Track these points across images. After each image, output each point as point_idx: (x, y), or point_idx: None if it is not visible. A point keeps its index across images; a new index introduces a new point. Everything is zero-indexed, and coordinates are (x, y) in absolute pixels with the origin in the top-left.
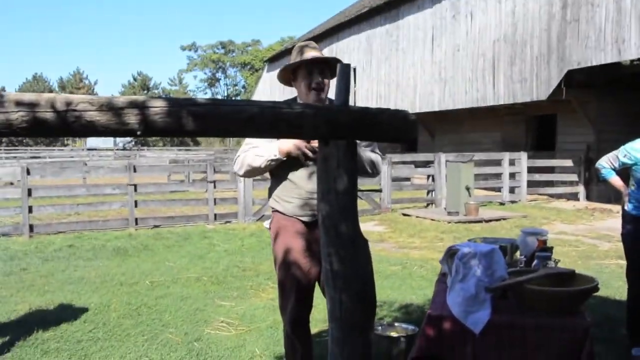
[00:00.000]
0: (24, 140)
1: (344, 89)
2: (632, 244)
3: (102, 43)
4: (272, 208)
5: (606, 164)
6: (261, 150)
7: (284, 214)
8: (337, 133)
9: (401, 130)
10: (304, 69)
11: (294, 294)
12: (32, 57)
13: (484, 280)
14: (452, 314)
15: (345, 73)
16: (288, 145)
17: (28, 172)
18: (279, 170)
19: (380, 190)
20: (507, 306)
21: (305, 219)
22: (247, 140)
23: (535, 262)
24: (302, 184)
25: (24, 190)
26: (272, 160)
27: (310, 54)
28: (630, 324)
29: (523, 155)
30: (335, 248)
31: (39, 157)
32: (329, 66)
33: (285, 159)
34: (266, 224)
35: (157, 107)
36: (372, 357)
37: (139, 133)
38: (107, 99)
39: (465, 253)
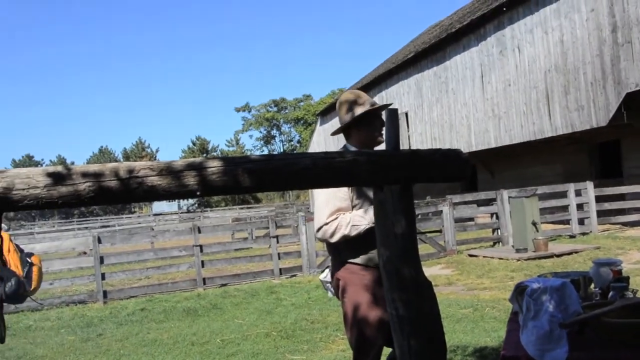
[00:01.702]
0: (94, 211)
1: (394, 133)
2: None
3: (160, 111)
4: (348, 261)
5: None
6: (357, 219)
7: (360, 264)
8: (391, 178)
9: (454, 169)
10: (378, 118)
11: (377, 346)
12: (98, 131)
13: (557, 316)
14: (527, 354)
15: (393, 118)
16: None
17: (99, 241)
18: None
19: (440, 231)
20: (585, 342)
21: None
22: (323, 202)
23: (611, 293)
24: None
25: (96, 259)
26: (369, 226)
27: (369, 103)
28: None
29: (589, 185)
30: (398, 293)
31: (108, 226)
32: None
33: None
34: (325, 277)
35: (214, 167)
36: None
37: (198, 193)
38: (166, 164)
39: (535, 289)
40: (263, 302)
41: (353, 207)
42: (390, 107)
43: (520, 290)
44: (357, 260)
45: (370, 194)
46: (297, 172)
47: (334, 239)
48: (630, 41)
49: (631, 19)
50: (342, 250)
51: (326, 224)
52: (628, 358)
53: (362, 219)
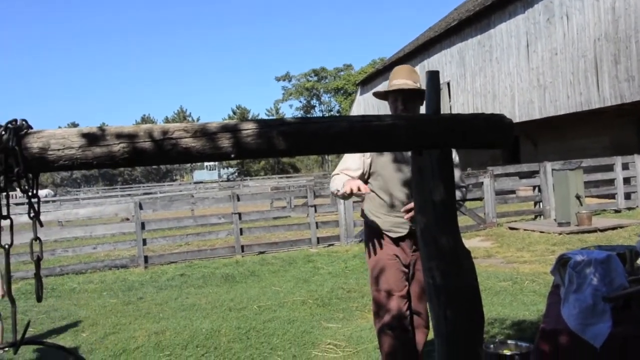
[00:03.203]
0: (137, 178)
1: (434, 97)
2: None
3: (202, 80)
4: (364, 220)
5: None
6: (337, 182)
7: (372, 227)
8: (430, 142)
9: (497, 135)
10: (392, 96)
11: (392, 300)
12: (141, 100)
13: (602, 290)
14: (568, 328)
15: (434, 81)
16: (347, 186)
17: (141, 207)
18: (372, 186)
19: (480, 200)
20: (631, 317)
21: (392, 234)
22: (342, 160)
23: None
24: (391, 200)
25: (137, 225)
26: (338, 195)
27: (395, 81)
28: None
29: (638, 158)
30: (436, 262)
31: (150, 193)
32: (417, 93)
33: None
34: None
35: (249, 129)
36: None
37: (232, 156)
38: (200, 125)
39: (579, 261)
40: (300, 271)
41: (369, 174)
42: (431, 71)
43: (563, 262)
44: (370, 222)
45: (389, 166)
46: (333, 136)
47: (331, 191)
48: None
49: None
50: (363, 211)
51: (334, 175)
52: None
53: (340, 183)
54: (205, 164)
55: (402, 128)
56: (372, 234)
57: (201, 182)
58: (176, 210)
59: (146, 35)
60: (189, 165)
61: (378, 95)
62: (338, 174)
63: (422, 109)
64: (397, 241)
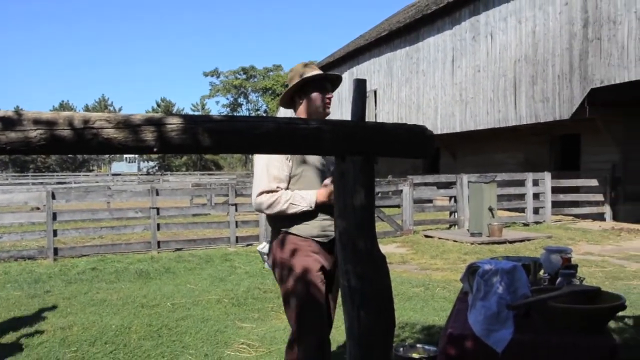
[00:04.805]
0: (51, 166)
1: (360, 104)
2: None
3: (126, 70)
4: (285, 230)
5: None
6: (297, 198)
7: (298, 235)
8: (354, 149)
9: (418, 146)
10: (315, 86)
11: (320, 314)
12: (59, 86)
13: (506, 298)
14: (473, 333)
15: (361, 89)
16: (323, 196)
17: (53, 197)
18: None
19: (398, 207)
20: (530, 325)
21: (321, 239)
22: (262, 169)
23: (559, 279)
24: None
25: (49, 215)
26: (307, 211)
27: (317, 71)
28: None
29: (547, 176)
30: (352, 264)
31: (64, 183)
32: (331, 84)
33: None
34: (262, 247)
35: (174, 123)
36: None
37: (155, 150)
38: (124, 117)
39: (487, 270)
40: (217, 269)
41: (291, 177)
42: (359, 79)
43: (472, 271)
44: (292, 230)
45: (311, 168)
46: (259, 136)
47: (270, 212)
48: (600, 38)
49: (602, 16)
50: (277, 219)
51: (265, 193)
52: (571, 343)
53: (302, 200)
54: (125, 155)
55: (327, 133)
56: (290, 244)
57: (119, 174)
58: (91, 201)
59: (68, 18)
60: (107, 156)
61: (285, 98)
62: (276, 190)
63: (348, 116)
64: (323, 247)
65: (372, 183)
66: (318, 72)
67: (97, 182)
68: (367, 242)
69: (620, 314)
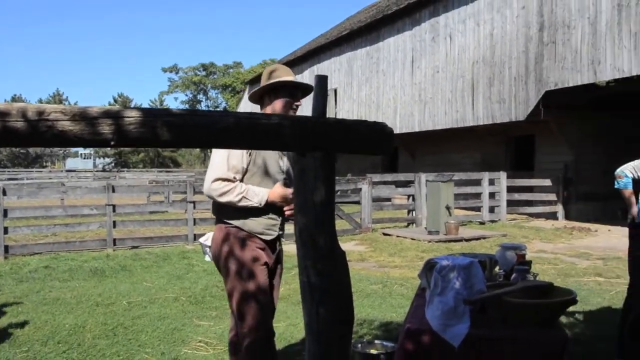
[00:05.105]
0: (2, 162)
1: (321, 100)
2: None
3: (82, 64)
4: (229, 223)
5: (629, 172)
6: (250, 193)
7: (242, 230)
8: (315, 144)
9: (378, 142)
10: (285, 90)
11: (265, 307)
12: (12, 79)
13: (463, 294)
14: (431, 328)
15: (322, 85)
16: (275, 197)
17: (4, 193)
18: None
19: (358, 202)
20: (485, 319)
21: (265, 237)
22: (221, 158)
23: (513, 275)
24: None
25: None
26: (255, 207)
27: (289, 77)
28: (622, 340)
29: (502, 175)
30: (312, 261)
31: (16, 179)
32: (302, 92)
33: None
34: (205, 239)
35: (132, 117)
36: None
37: (112, 143)
38: (80, 109)
39: (444, 266)
40: (174, 267)
41: (246, 171)
42: (320, 75)
43: (429, 267)
44: (237, 223)
45: (267, 166)
46: (220, 130)
47: (221, 200)
48: (555, 41)
49: (557, 21)
50: (223, 211)
51: (220, 180)
52: (525, 336)
53: (255, 195)
54: (80, 151)
55: (288, 128)
56: (233, 237)
57: (74, 171)
58: (44, 198)
59: (21, 11)
60: (61, 151)
61: (255, 95)
62: (232, 180)
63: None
64: (266, 244)
65: (332, 179)
66: (292, 78)
67: (50, 178)
68: (327, 239)
69: (571, 309)
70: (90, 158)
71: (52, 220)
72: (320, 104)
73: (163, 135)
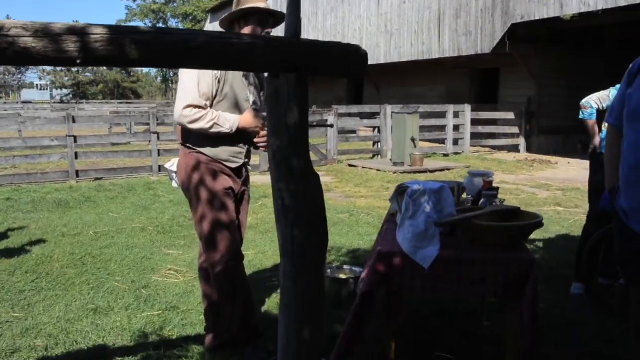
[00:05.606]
0: None
1: (295, 20)
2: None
3: None
4: (195, 149)
5: (595, 103)
6: (222, 120)
7: (209, 156)
8: (288, 65)
9: (353, 64)
10: (256, 17)
11: (232, 231)
12: None
13: (434, 217)
14: (402, 251)
15: (295, 3)
16: (246, 122)
17: None
18: (216, 110)
19: (331, 126)
20: (455, 242)
21: (230, 164)
22: (192, 83)
23: (482, 200)
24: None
25: None
26: (225, 134)
27: (261, 4)
28: (581, 264)
29: (467, 108)
30: (286, 183)
31: None
32: (274, 19)
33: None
34: (171, 165)
35: (98, 34)
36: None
37: (78, 61)
38: (43, 25)
39: (415, 190)
40: (140, 198)
41: (215, 97)
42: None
43: (401, 191)
44: (204, 150)
45: (236, 93)
46: (190, 49)
47: (192, 127)
48: None
49: None
50: (191, 138)
51: (192, 107)
52: (494, 258)
53: (226, 122)
54: (36, 82)
55: (260, 48)
56: (202, 164)
57: (30, 102)
58: (1, 130)
59: None
60: (15, 82)
61: (225, 21)
62: (203, 107)
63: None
64: (233, 171)
65: (305, 102)
66: (264, 5)
67: (5, 110)
68: (300, 161)
69: (532, 237)
70: (47, 89)
71: (11, 152)
72: (294, 24)
73: (131, 54)
